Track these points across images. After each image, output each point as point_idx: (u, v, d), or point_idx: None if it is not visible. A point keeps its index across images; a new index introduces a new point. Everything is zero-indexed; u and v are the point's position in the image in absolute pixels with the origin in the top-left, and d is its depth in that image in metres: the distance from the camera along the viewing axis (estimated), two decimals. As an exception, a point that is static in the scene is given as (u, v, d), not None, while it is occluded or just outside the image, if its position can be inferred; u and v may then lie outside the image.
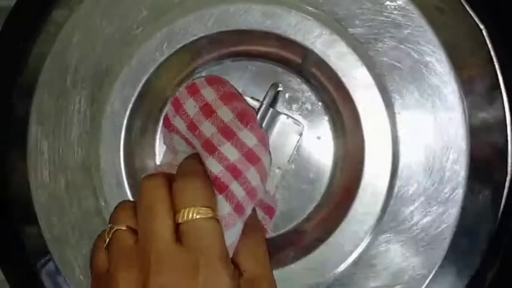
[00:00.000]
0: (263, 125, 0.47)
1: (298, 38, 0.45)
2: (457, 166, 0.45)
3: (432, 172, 0.46)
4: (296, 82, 0.48)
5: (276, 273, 0.44)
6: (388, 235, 0.46)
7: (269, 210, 0.45)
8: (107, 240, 0.36)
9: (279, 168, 0.48)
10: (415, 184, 0.46)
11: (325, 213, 0.47)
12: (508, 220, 0.46)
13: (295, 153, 0.48)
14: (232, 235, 0.36)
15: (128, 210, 0.37)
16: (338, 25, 0.46)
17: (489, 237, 0.44)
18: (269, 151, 0.40)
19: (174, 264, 0.33)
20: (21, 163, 0.49)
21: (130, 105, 0.46)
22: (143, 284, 0.33)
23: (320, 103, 0.48)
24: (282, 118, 0.48)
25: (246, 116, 0.39)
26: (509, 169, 0.47)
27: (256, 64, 0.48)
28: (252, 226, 0.38)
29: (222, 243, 0.34)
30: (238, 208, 0.36)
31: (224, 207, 0.36)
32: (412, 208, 0.46)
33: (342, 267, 0.45)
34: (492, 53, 0.47)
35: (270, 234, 0.47)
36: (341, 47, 0.44)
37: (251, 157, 0.38)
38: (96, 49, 0.48)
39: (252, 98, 0.48)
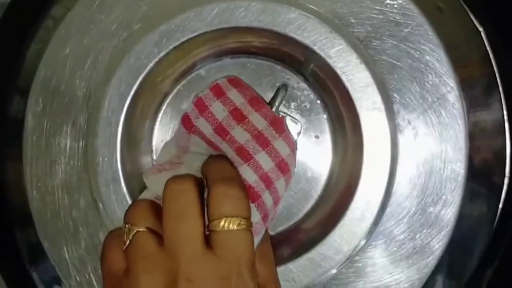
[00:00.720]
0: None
1: (298, 36, 0.45)
2: (456, 166, 0.45)
3: (432, 173, 0.45)
4: (295, 81, 0.48)
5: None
6: (386, 234, 0.45)
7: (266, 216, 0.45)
8: (127, 241, 0.35)
9: (276, 166, 0.48)
10: (414, 184, 0.45)
11: (322, 212, 0.47)
12: (506, 223, 0.46)
13: (293, 151, 0.48)
14: (256, 243, 0.36)
15: (146, 210, 0.36)
16: (338, 23, 0.46)
17: (488, 239, 0.44)
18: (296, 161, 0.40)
19: (205, 272, 0.32)
20: (16, 162, 0.49)
21: (128, 101, 0.45)
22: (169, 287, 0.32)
23: (319, 102, 0.48)
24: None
25: (279, 124, 0.39)
26: (507, 171, 0.47)
27: (255, 62, 0.48)
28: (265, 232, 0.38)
29: (252, 253, 0.34)
30: (265, 217, 0.36)
31: (254, 216, 0.35)
32: (410, 207, 0.46)
33: (339, 266, 0.45)
34: (490, 54, 0.47)
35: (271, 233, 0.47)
36: (341, 46, 0.44)
37: (283, 167, 0.38)
38: (94, 45, 0.47)
39: (251, 96, 0.48)
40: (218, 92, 0.40)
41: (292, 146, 0.39)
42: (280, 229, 0.48)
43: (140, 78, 0.45)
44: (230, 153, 0.38)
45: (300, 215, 0.48)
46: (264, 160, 0.37)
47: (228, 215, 0.33)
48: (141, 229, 0.35)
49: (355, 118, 0.45)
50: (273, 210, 0.37)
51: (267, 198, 0.36)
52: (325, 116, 0.48)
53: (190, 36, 0.45)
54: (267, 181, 0.36)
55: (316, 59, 0.45)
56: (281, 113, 0.47)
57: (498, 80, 0.47)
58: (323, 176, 0.48)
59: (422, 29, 0.45)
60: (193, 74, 0.48)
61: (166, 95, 0.48)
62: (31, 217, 0.48)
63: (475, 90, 0.47)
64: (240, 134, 0.38)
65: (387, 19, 0.45)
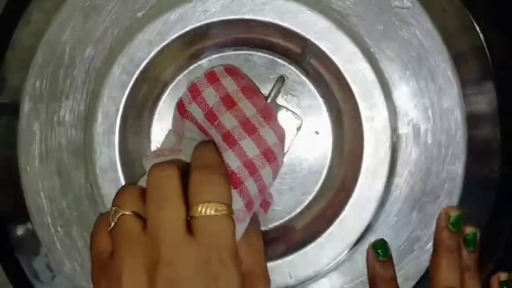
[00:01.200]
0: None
1: (300, 30, 0.45)
2: (454, 166, 0.46)
3: (430, 171, 0.46)
4: (296, 75, 0.48)
5: (269, 265, 0.44)
6: (384, 232, 0.46)
7: (265, 204, 0.45)
8: (112, 223, 0.35)
9: (275, 160, 0.48)
10: (412, 182, 0.46)
11: (320, 207, 0.47)
12: (501, 221, 0.47)
13: (293, 146, 0.48)
14: (240, 230, 0.36)
15: (134, 194, 0.36)
16: (341, 20, 0.46)
17: (484, 238, 0.45)
18: (284, 150, 0.40)
19: (185, 257, 0.33)
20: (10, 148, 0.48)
21: (128, 90, 0.45)
22: (150, 273, 0.32)
23: (320, 97, 0.48)
24: (281, 111, 0.47)
25: (268, 112, 0.39)
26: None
27: (256, 55, 0.48)
28: (251, 221, 0.38)
29: (234, 239, 0.34)
30: (249, 205, 0.36)
31: (237, 202, 0.35)
32: (409, 203, 0.46)
33: (335, 263, 0.45)
34: (489, 58, 0.48)
35: (265, 228, 0.47)
36: (343, 41, 0.44)
37: (269, 156, 0.37)
38: (95, 31, 0.47)
39: (252, 89, 0.48)
40: (212, 78, 0.41)
41: (280, 135, 0.39)
42: (277, 224, 0.48)
43: (141, 67, 0.45)
44: (217, 139, 0.38)
45: (298, 210, 0.48)
46: (249, 147, 0.37)
47: (207, 200, 0.33)
48: (127, 212, 0.35)
49: (355, 113, 0.45)
50: (259, 198, 0.37)
51: (250, 185, 0.36)
52: (325, 111, 0.48)
53: (194, 26, 0.45)
54: (251, 168, 0.37)
55: (318, 54, 0.45)
56: (281, 108, 0.47)
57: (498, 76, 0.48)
58: (322, 172, 0.48)
59: (427, 29, 0.46)
60: (194, 65, 0.48)
61: (166, 85, 0.48)
62: (25, 202, 0.48)
63: (476, 92, 0.47)
64: (228, 120, 0.38)
65: (391, 17, 0.46)
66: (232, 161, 0.36)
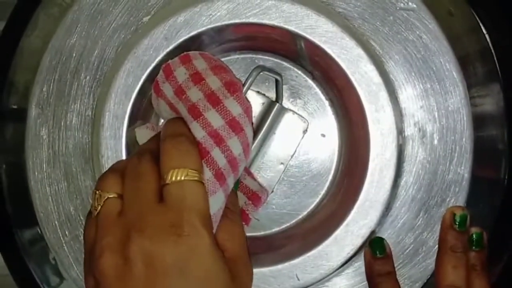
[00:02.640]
0: (268, 120, 0.47)
1: (306, 34, 0.45)
2: (460, 169, 0.46)
3: (437, 174, 0.46)
4: (302, 79, 0.48)
5: (277, 268, 0.44)
6: (390, 234, 0.46)
7: (255, 198, 0.45)
8: (99, 207, 0.35)
9: (282, 163, 0.48)
10: (419, 185, 0.46)
11: (327, 210, 0.47)
12: (508, 224, 0.47)
13: (299, 149, 0.48)
14: (213, 204, 0.35)
15: (116, 177, 0.36)
16: (347, 22, 0.46)
17: (491, 241, 0.45)
18: (252, 124, 0.40)
19: (156, 222, 0.33)
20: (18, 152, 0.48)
21: (134, 94, 0.45)
22: (124, 244, 0.32)
23: (326, 100, 0.48)
24: (288, 114, 0.48)
25: (233, 85, 0.39)
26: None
27: (262, 59, 0.48)
28: (231, 208, 0.38)
29: (206, 206, 0.34)
30: (218, 176, 0.36)
31: (205, 173, 0.36)
32: (415, 206, 0.46)
33: (342, 265, 0.45)
34: (495, 60, 0.48)
35: (272, 230, 0.47)
36: (349, 44, 0.44)
37: (234, 126, 0.38)
38: (101, 35, 0.47)
39: (258, 92, 0.48)
40: (185, 59, 0.41)
41: (246, 106, 0.39)
42: (285, 226, 0.48)
43: (148, 71, 0.45)
44: (184, 112, 0.39)
45: (305, 212, 0.48)
46: (214, 118, 0.37)
47: (176, 167, 0.34)
48: (110, 196, 0.35)
49: (362, 116, 0.45)
50: (229, 170, 0.37)
51: (217, 155, 0.36)
52: (332, 114, 0.48)
53: (199, 30, 0.45)
54: (217, 138, 0.37)
55: (324, 57, 0.45)
56: (288, 111, 0.47)
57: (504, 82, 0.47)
58: (329, 174, 0.48)
59: (433, 31, 0.46)
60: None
61: (172, 89, 0.48)
62: (33, 206, 0.48)
63: (482, 95, 0.47)
64: (194, 94, 0.39)
65: (397, 20, 0.46)
66: (197, 131, 0.37)
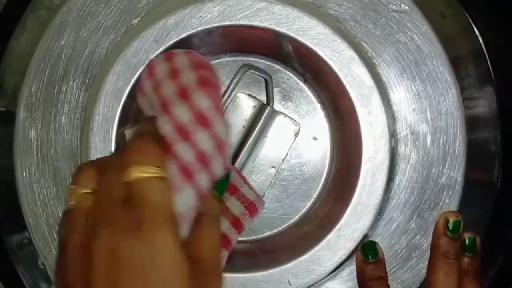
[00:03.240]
0: (260, 123, 0.46)
1: (297, 36, 0.44)
2: (453, 173, 0.45)
3: (429, 178, 0.46)
4: (294, 81, 0.48)
5: (269, 272, 0.44)
6: (384, 235, 0.46)
7: (252, 208, 0.44)
8: (73, 203, 0.35)
9: (273, 167, 0.47)
10: (411, 189, 0.46)
11: (319, 214, 0.47)
12: (501, 228, 0.46)
13: (291, 152, 0.48)
14: (180, 201, 0.35)
15: (92, 170, 0.36)
16: (338, 25, 0.45)
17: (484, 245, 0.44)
18: (226, 121, 0.39)
19: (119, 219, 0.32)
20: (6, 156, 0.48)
21: (124, 96, 0.45)
22: (90, 240, 0.32)
23: (318, 103, 0.48)
24: (279, 117, 0.47)
25: (207, 81, 0.38)
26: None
27: (253, 61, 0.48)
28: (207, 212, 0.37)
29: (169, 203, 0.34)
30: (184, 171, 0.35)
31: (170, 168, 0.35)
32: (408, 210, 0.46)
33: (334, 269, 0.45)
34: (488, 62, 0.48)
35: (264, 234, 0.47)
36: (341, 47, 0.44)
37: (202, 120, 0.37)
38: (91, 38, 0.46)
39: (249, 95, 0.48)
40: (168, 57, 0.41)
41: (216, 102, 0.38)
42: (277, 230, 0.48)
43: (138, 74, 0.45)
44: (157, 107, 0.38)
45: (297, 216, 0.48)
46: (182, 112, 0.36)
47: (136, 164, 0.33)
48: (84, 191, 0.35)
49: (353, 118, 0.44)
50: (198, 166, 0.36)
51: (183, 150, 0.36)
52: (323, 117, 0.48)
53: (190, 32, 0.45)
54: (183, 133, 0.36)
55: (316, 60, 0.45)
56: (279, 114, 0.47)
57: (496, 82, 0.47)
58: (321, 178, 0.48)
59: (425, 33, 0.45)
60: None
61: (163, 92, 0.48)
62: (22, 215, 0.47)
63: (475, 97, 0.47)
64: (167, 88, 0.38)
65: (389, 22, 0.45)
66: (164, 126, 0.36)
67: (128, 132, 0.43)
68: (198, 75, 0.38)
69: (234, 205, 0.43)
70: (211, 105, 0.37)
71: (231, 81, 0.46)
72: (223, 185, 0.38)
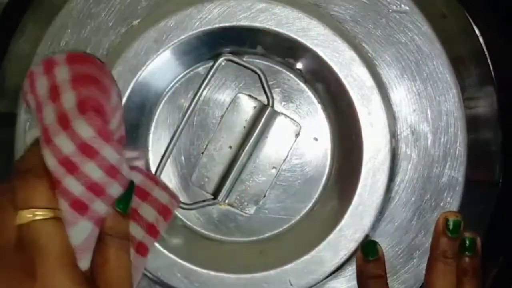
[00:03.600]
0: (260, 124, 0.46)
1: (298, 37, 0.44)
2: (454, 173, 0.45)
3: (430, 178, 0.46)
4: (294, 82, 0.48)
5: (270, 273, 0.44)
6: (385, 236, 0.46)
7: (165, 211, 0.42)
8: None
9: (274, 168, 0.47)
10: (412, 189, 0.46)
11: (320, 215, 0.47)
12: (501, 228, 0.46)
13: (292, 153, 0.48)
14: (77, 234, 0.33)
15: None
16: (339, 25, 0.45)
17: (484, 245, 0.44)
18: (119, 143, 0.37)
19: (11, 265, 0.32)
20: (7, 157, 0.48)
21: (124, 98, 0.45)
22: None
23: (318, 103, 0.48)
24: (280, 117, 0.47)
25: (87, 103, 0.35)
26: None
27: (253, 62, 0.48)
28: (107, 231, 0.36)
29: (63, 243, 0.33)
30: (77, 205, 0.34)
31: (60, 204, 0.33)
32: (409, 210, 0.46)
33: (335, 270, 0.45)
34: (489, 62, 0.48)
35: (265, 234, 0.47)
36: (341, 47, 0.44)
37: (87, 151, 0.34)
38: (91, 39, 0.47)
39: (250, 96, 0.48)
40: (49, 66, 0.36)
41: (99, 128, 0.34)
42: (277, 230, 0.48)
43: (138, 75, 0.45)
44: (40, 134, 0.35)
45: (298, 217, 0.48)
46: (64, 143, 0.34)
47: (22, 207, 0.32)
48: None
49: (354, 119, 0.44)
50: (91, 197, 0.34)
51: (71, 184, 0.34)
52: (324, 117, 0.48)
53: (190, 34, 0.45)
54: (69, 166, 0.34)
55: (317, 60, 0.45)
56: (280, 114, 0.47)
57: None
58: (321, 178, 0.48)
59: (426, 34, 0.45)
60: (191, 72, 0.48)
61: (163, 93, 0.48)
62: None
63: (475, 97, 0.47)
64: (48, 114, 0.35)
65: (390, 22, 0.45)
66: (49, 160, 0.34)
67: (29, 133, 0.39)
68: (78, 96, 0.35)
69: (146, 211, 0.40)
70: (95, 133, 0.34)
71: (208, 72, 0.46)
72: (126, 200, 0.36)
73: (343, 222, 0.44)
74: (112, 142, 0.35)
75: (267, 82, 0.47)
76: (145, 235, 0.40)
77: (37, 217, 0.32)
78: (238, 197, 0.48)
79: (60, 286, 0.31)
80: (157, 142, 0.48)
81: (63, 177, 0.34)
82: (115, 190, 0.35)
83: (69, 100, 0.35)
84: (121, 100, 0.37)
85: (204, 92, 0.47)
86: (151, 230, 0.40)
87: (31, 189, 0.33)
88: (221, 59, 0.47)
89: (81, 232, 0.34)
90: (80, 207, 0.34)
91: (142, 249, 0.39)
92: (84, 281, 0.32)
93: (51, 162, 0.34)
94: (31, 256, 0.32)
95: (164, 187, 0.42)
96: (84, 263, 0.33)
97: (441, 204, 0.46)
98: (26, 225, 0.32)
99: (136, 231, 0.38)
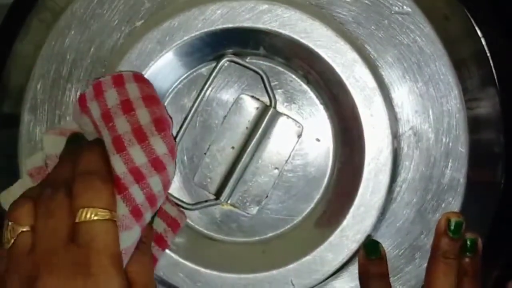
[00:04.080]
0: (263, 125, 0.47)
1: (300, 38, 0.44)
2: (456, 174, 0.46)
3: (432, 179, 0.46)
4: (297, 83, 0.48)
5: (272, 273, 0.45)
6: (386, 236, 0.46)
7: (174, 224, 0.45)
8: (12, 241, 0.35)
9: (276, 168, 0.48)
10: (414, 187, 0.46)
11: (322, 215, 0.47)
12: (506, 223, 0.46)
13: (294, 154, 0.48)
14: (127, 239, 0.35)
15: (30, 206, 0.35)
16: (341, 26, 0.46)
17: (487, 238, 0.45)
18: (175, 161, 0.40)
19: (64, 262, 0.33)
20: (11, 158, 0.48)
21: (128, 99, 0.45)
22: (33, 281, 0.32)
23: (320, 104, 0.48)
24: (282, 118, 0.47)
25: (162, 123, 0.39)
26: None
27: (256, 63, 0.48)
28: (143, 239, 0.38)
29: (116, 244, 0.34)
30: (135, 212, 0.36)
31: (121, 209, 0.35)
32: (410, 211, 0.46)
33: (337, 271, 0.45)
34: (491, 63, 0.48)
35: (267, 235, 0.47)
36: (344, 48, 0.44)
37: (157, 165, 0.37)
38: (94, 40, 0.47)
39: (252, 96, 0.48)
40: (119, 81, 0.40)
41: (171, 145, 0.38)
42: (280, 231, 0.48)
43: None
44: (108, 140, 0.38)
45: (300, 217, 0.48)
46: (137, 155, 0.37)
47: (85, 206, 0.34)
48: (24, 229, 0.35)
49: (356, 120, 0.45)
50: (148, 207, 0.37)
51: (136, 192, 0.36)
52: (326, 119, 0.48)
53: (193, 35, 0.45)
54: (138, 175, 0.37)
55: (319, 62, 0.45)
56: (282, 115, 0.47)
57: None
58: (323, 179, 0.48)
59: (428, 35, 0.45)
60: (194, 73, 0.48)
61: (166, 94, 0.48)
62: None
63: (477, 98, 0.47)
64: (121, 124, 0.38)
65: (392, 24, 0.46)
66: (118, 166, 0.36)
67: (46, 137, 0.41)
68: (152, 115, 0.39)
69: (156, 223, 0.43)
70: (167, 150, 0.38)
71: (210, 73, 0.47)
72: (155, 213, 0.39)
73: (345, 222, 0.44)
74: (174, 162, 0.39)
75: (269, 83, 0.47)
76: (154, 245, 0.43)
77: (99, 217, 0.34)
78: (240, 198, 0.48)
79: (111, 283, 0.33)
80: (160, 142, 0.48)
81: (130, 184, 0.36)
82: (161, 203, 0.39)
83: (145, 117, 0.38)
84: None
85: (207, 93, 0.48)
86: (160, 241, 0.43)
87: (96, 190, 0.35)
88: (224, 60, 0.47)
89: (132, 237, 0.36)
90: (137, 214, 0.36)
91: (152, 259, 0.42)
92: (127, 282, 0.34)
93: (121, 168, 0.36)
94: (86, 253, 0.33)
95: (173, 202, 0.45)
96: (124, 265, 0.35)
97: (443, 205, 0.46)
98: (85, 223, 0.34)
99: None
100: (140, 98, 0.39)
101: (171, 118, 0.42)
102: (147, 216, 0.37)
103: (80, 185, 0.35)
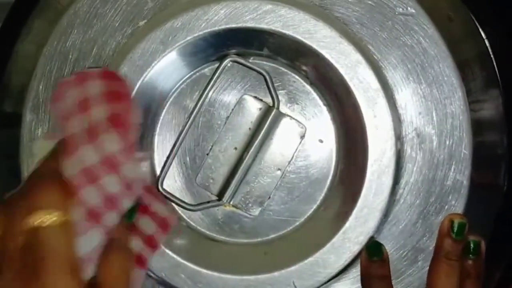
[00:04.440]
0: (266, 126, 0.46)
1: (304, 39, 0.44)
2: (459, 176, 0.45)
3: (435, 181, 0.46)
4: (300, 84, 0.48)
5: (274, 275, 0.44)
6: (389, 238, 0.46)
7: (164, 224, 0.43)
8: None
9: (279, 169, 0.47)
10: (418, 189, 0.46)
11: (324, 217, 0.47)
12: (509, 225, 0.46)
13: (297, 155, 0.48)
14: (86, 243, 0.34)
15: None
16: (345, 27, 0.45)
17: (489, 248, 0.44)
18: (137, 160, 0.37)
19: (14, 267, 0.32)
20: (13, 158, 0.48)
21: (130, 98, 0.45)
22: None
23: (324, 106, 0.48)
24: (285, 119, 0.47)
25: (119, 119, 0.36)
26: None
27: (259, 64, 0.48)
28: (118, 239, 0.36)
29: (69, 248, 0.33)
30: (91, 215, 0.35)
31: (75, 212, 0.34)
32: (414, 213, 0.46)
33: (339, 272, 0.45)
34: (495, 65, 0.48)
35: (269, 236, 0.47)
36: (347, 49, 0.44)
37: (110, 165, 0.35)
38: (97, 40, 0.47)
39: (255, 97, 0.48)
40: (81, 79, 0.37)
41: (127, 143, 0.36)
42: (282, 232, 0.48)
43: (144, 76, 0.45)
44: (62, 142, 0.36)
45: (303, 219, 0.48)
46: (88, 154, 0.35)
47: (37, 208, 0.33)
48: None
49: (359, 121, 0.45)
50: (105, 208, 0.35)
51: (89, 193, 0.35)
52: (329, 120, 0.48)
53: (196, 35, 0.45)
54: (90, 176, 0.35)
55: (322, 63, 0.45)
56: (285, 116, 0.47)
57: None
58: (326, 180, 0.48)
59: (431, 36, 0.45)
60: (197, 73, 0.48)
61: (169, 94, 0.48)
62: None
63: (481, 100, 0.47)
64: (76, 124, 0.36)
65: (396, 25, 0.45)
66: (70, 168, 0.35)
67: (35, 143, 0.41)
68: (110, 111, 0.36)
69: (145, 224, 0.41)
70: (121, 148, 0.36)
71: (213, 73, 0.47)
72: (133, 212, 0.38)
73: (347, 224, 0.44)
74: (133, 158, 0.36)
75: (272, 83, 0.47)
76: (144, 247, 0.41)
77: (50, 221, 0.33)
78: (242, 199, 0.48)
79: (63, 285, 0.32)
80: (162, 143, 0.48)
81: (83, 186, 0.34)
82: (127, 203, 0.37)
83: (100, 113, 0.36)
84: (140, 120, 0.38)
85: (210, 93, 0.47)
86: (150, 242, 0.42)
87: (46, 192, 0.33)
88: (227, 60, 0.47)
89: (91, 241, 0.35)
90: (94, 216, 0.35)
91: (141, 261, 0.40)
92: (90, 284, 0.33)
93: (72, 170, 0.34)
94: (39, 259, 0.32)
95: (164, 202, 0.43)
96: (89, 272, 0.34)
97: (446, 207, 0.45)
98: (36, 228, 0.33)
99: (134, 244, 0.39)
100: (100, 95, 0.37)
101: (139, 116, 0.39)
102: (109, 218, 0.36)
103: (33, 186, 0.34)
